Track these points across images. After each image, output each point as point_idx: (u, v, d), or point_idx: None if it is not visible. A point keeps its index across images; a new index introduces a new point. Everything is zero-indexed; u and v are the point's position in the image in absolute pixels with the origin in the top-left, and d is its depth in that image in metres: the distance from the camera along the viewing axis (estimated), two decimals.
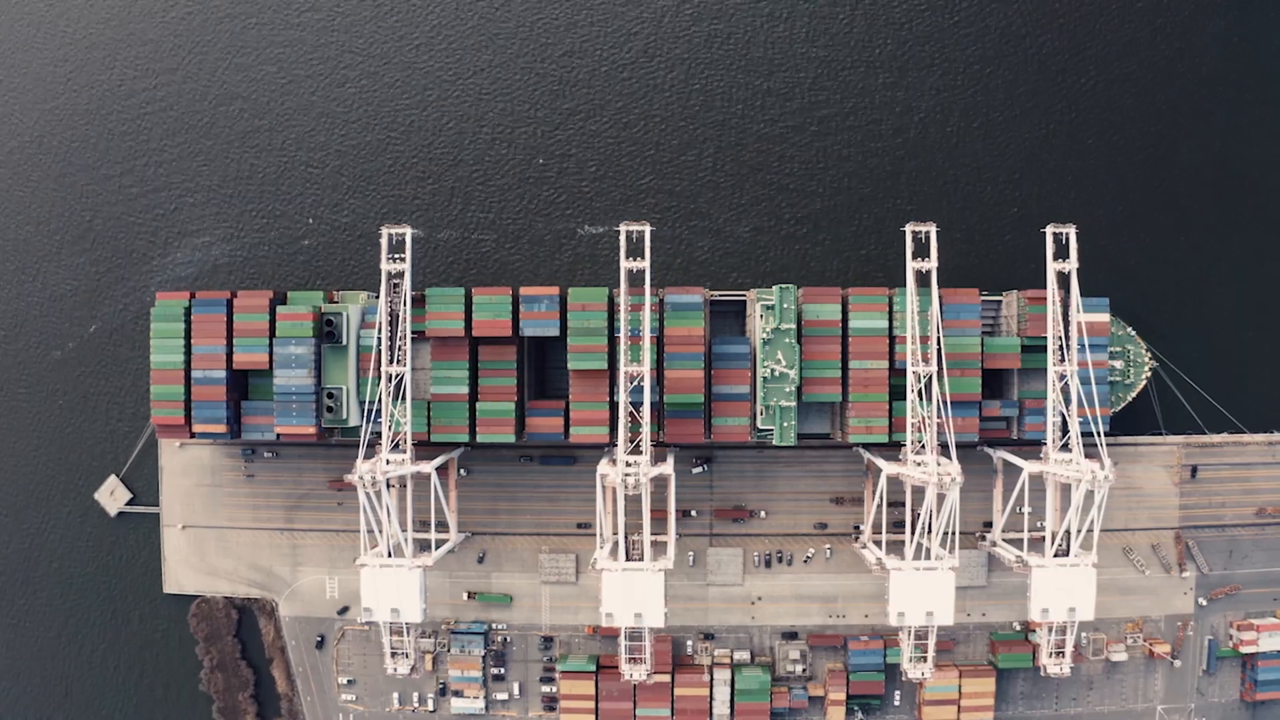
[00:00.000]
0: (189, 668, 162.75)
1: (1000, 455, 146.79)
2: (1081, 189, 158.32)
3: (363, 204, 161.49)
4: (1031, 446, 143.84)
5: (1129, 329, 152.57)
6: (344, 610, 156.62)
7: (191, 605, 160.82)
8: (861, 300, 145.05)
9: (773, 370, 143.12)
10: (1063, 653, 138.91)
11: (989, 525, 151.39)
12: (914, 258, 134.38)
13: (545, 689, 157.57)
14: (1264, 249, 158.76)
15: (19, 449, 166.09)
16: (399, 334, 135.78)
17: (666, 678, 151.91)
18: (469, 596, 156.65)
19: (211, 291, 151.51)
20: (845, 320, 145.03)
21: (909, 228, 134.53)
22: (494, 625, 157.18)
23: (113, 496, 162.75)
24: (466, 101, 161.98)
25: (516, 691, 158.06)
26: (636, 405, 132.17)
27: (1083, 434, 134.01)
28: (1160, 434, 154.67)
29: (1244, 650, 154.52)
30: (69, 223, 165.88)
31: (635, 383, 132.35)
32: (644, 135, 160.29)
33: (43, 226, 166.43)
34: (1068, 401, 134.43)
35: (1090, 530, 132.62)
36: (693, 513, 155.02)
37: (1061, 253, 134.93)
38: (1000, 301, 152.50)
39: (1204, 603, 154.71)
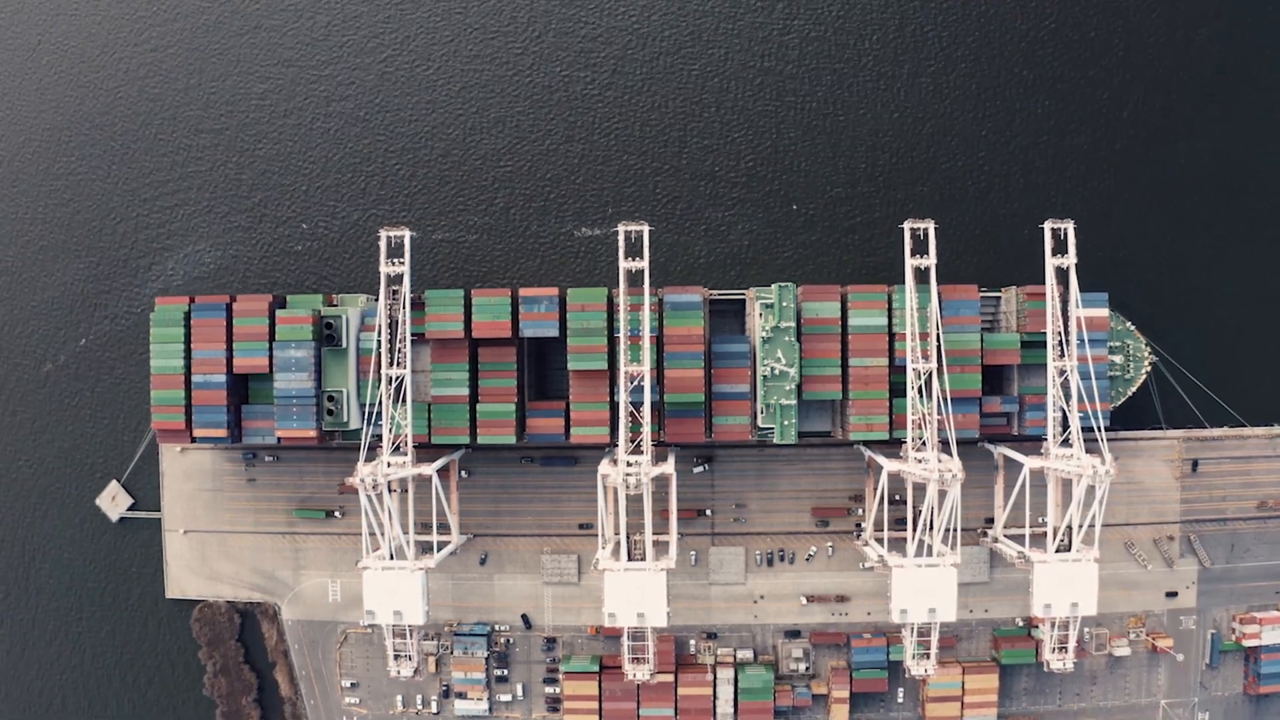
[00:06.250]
0: (192, 673, 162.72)
1: (1001, 451, 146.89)
2: (1079, 184, 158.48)
3: (359, 207, 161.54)
4: (1032, 442, 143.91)
5: (1128, 324, 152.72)
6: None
7: (194, 610, 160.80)
8: (861, 298, 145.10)
9: (773, 369, 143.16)
10: (1065, 648, 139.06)
11: (990, 521, 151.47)
12: (913, 255, 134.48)
13: (548, 690, 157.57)
14: (1261, 242, 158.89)
15: (20, 456, 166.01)
16: (399, 336, 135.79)
17: (670, 677, 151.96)
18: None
19: (211, 296, 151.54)
20: (845, 318, 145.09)
21: (907, 225, 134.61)
22: (497, 627, 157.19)
23: (114, 502, 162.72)
24: (462, 103, 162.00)
25: (520, 693, 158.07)
26: (637, 405, 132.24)
27: (1083, 429, 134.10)
28: (1161, 428, 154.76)
29: (1246, 644, 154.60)
30: (63, 231, 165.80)
31: (635, 383, 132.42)
32: (642, 135, 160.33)
33: (37, 233, 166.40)
34: (1068, 397, 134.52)
35: (1092, 525, 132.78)
36: (708, 511, 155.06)
37: (1060, 248, 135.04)
38: (999, 298, 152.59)
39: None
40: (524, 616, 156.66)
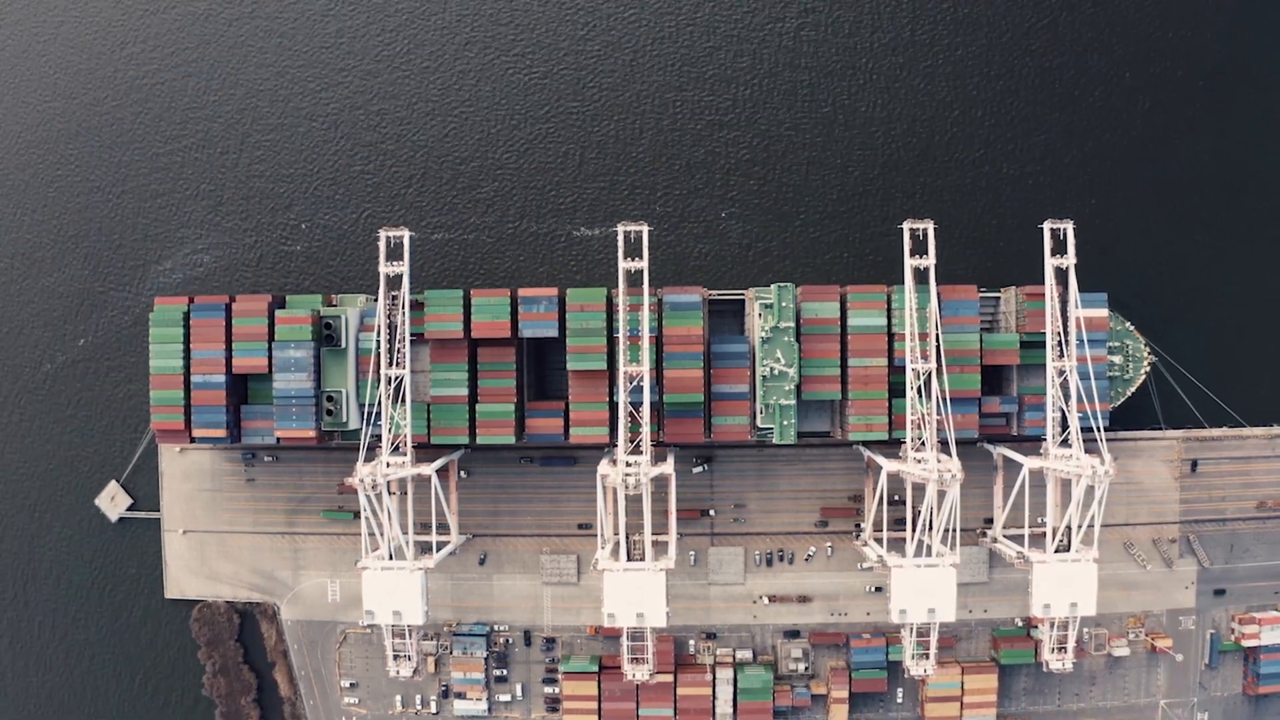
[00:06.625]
0: (191, 673, 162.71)
1: (1000, 451, 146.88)
2: (1079, 184, 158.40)
3: (358, 207, 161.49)
4: (1031, 442, 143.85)
5: (1127, 324, 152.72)
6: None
7: (193, 610, 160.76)
8: (860, 298, 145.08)
9: (772, 369, 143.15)
10: (1065, 648, 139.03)
11: (990, 521, 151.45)
12: (912, 255, 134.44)
13: (548, 690, 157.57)
14: (1261, 242, 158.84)
15: (19, 456, 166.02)
16: (398, 336, 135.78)
17: (669, 677, 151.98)
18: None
19: (210, 296, 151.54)
20: (844, 318, 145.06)
21: (907, 225, 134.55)
22: (496, 627, 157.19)
23: (113, 502, 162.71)
24: (462, 103, 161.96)
25: (519, 693, 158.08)
26: (636, 405, 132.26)
27: (1082, 429, 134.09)
28: (1160, 429, 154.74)
29: (1246, 644, 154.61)
30: (62, 231, 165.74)
31: (635, 383, 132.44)
32: (641, 135, 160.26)
33: (36, 234, 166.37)
34: (1067, 397, 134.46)
35: (1091, 525, 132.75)
36: (711, 512, 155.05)
37: (1059, 248, 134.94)
38: (999, 298, 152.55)
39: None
40: (525, 632, 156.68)
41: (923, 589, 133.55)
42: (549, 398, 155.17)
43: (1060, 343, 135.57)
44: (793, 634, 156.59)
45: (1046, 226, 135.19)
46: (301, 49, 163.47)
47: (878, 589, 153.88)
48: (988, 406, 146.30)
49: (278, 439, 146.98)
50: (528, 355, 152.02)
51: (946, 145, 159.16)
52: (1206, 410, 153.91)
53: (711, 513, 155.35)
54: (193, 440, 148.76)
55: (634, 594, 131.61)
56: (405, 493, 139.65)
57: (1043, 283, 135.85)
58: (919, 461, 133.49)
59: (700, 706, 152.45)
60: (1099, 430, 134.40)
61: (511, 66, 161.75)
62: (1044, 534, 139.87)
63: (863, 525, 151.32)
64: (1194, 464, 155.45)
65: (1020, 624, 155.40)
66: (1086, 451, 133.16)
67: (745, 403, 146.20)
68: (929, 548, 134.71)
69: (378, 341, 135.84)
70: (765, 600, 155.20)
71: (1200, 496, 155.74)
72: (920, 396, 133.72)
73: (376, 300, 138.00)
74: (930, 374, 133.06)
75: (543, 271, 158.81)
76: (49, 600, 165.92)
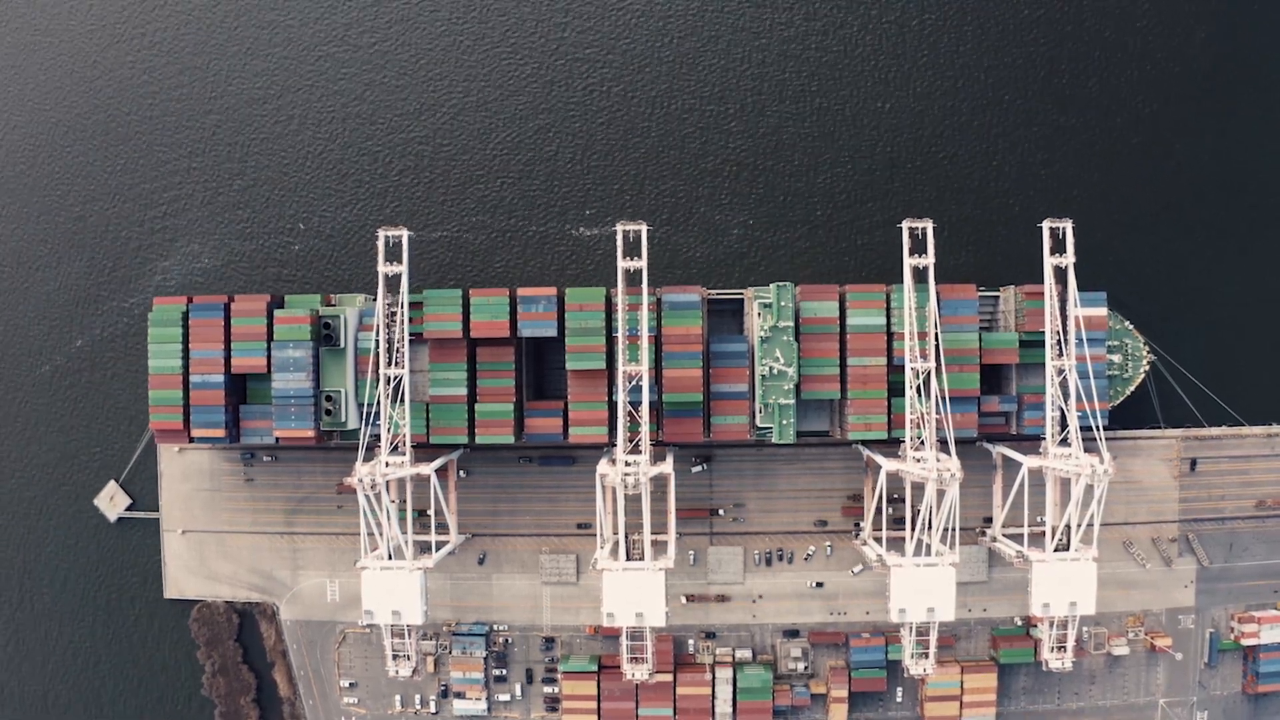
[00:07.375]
0: (190, 672, 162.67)
1: (999, 450, 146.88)
2: (1078, 184, 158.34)
3: (357, 206, 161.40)
4: (1031, 441, 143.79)
5: (1126, 323, 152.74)
6: None
7: (192, 610, 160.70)
8: (859, 297, 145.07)
9: (771, 368, 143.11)
10: (1064, 647, 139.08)
11: (989, 520, 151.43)
12: (911, 254, 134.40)
13: (547, 689, 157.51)
14: (1261, 242, 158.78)
15: (18, 456, 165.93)
16: (397, 336, 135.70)
17: (668, 677, 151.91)
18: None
19: (209, 296, 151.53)
20: (843, 317, 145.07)
21: (906, 224, 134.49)
22: (495, 626, 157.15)
23: (112, 502, 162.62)
24: (460, 103, 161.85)
25: (518, 692, 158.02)
26: (635, 405, 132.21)
27: (1082, 428, 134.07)
28: (1159, 428, 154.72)
29: (1245, 643, 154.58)
30: (61, 231, 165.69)
31: (634, 382, 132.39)
32: (639, 135, 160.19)
33: (34, 234, 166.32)
34: (1066, 396, 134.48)
35: (1090, 524, 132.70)
36: (720, 511, 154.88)
37: (1059, 248, 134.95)
38: (998, 297, 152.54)
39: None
40: (528, 670, 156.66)
41: (922, 588, 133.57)
42: (548, 397, 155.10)
43: (1059, 342, 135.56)
44: (792, 633, 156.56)
45: (1045, 225, 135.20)
46: (300, 49, 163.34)
47: (819, 584, 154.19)
48: (987, 405, 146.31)
49: (277, 439, 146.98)
50: (527, 355, 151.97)
51: (945, 144, 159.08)
52: (1206, 409, 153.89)
53: (720, 511, 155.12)
54: (191, 440, 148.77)
55: (633, 593, 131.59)
56: (405, 494, 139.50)
57: (1042, 282, 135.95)
58: (918, 461, 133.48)
59: (700, 706, 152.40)
60: (1098, 429, 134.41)
61: (509, 65, 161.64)
62: (1043, 533, 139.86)
63: (862, 524, 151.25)
64: (1193, 463, 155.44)
65: (1020, 623, 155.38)
66: (1086, 450, 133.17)
67: (744, 402, 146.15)
68: (928, 547, 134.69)
69: (376, 341, 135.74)
70: (684, 599, 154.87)
71: (1199, 495, 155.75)
72: (919, 395, 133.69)
73: (375, 300, 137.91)
74: (929, 373, 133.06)
75: (541, 271, 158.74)
76: (48, 600, 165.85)
